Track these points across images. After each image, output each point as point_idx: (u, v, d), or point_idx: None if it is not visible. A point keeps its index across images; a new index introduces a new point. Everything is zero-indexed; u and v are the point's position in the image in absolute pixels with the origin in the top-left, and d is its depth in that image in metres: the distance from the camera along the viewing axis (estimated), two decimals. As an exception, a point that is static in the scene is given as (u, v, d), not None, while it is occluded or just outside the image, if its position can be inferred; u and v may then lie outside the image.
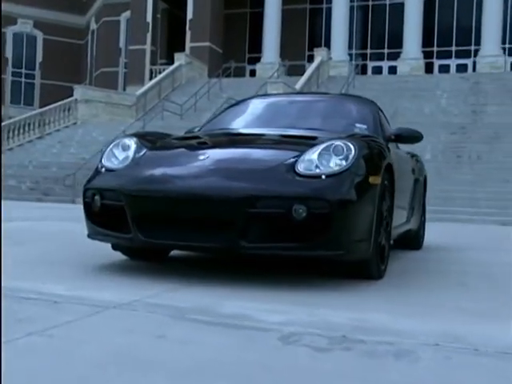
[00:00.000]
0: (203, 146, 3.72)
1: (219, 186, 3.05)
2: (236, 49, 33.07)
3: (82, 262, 3.77)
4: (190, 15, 30.15)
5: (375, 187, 3.31)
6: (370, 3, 32.50)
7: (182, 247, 3.28)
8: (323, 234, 2.99)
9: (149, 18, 31.08)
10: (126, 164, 3.48)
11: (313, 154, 3.21)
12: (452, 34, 30.87)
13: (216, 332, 2.10)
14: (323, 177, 3.08)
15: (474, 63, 29.07)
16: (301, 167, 3.13)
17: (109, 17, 36.24)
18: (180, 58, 27.91)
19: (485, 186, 15.05)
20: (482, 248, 6.41)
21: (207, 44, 29.92)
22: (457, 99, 21.62)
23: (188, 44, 30.05)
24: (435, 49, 30.91)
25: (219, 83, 25.70)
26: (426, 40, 29.86)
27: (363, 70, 30.92)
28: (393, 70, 30.21)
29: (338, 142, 3.26)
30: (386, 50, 31.86)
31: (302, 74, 26.54)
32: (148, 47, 30.96)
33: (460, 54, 30.60)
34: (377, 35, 32.38)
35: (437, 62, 30.77)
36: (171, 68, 27.41)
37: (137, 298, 2.63)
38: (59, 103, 23.54)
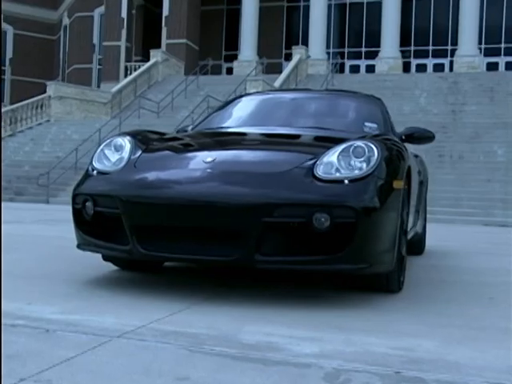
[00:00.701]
0: (207, 147, 3.37)
1: (230, 193, 2.71)
2: (212, 46, 32.68)
3: (70, 275, 3.40)
4: (166, 11, 29.65)
5: (399, 192, 3.01)
6: (348, 1, 32.40)
7: (188, 261, 2.91)
8: (346, 245, 2.67)
9: (124, 14, 30.48)
10: (121, 166, 3.11)
11: (332, 156, 2.89)
12: (429, 34, 30.95)
13: (246, 370, 1.77)
14: (346, 182, 2.76)
15: (451, 63, 29.18)
16: (320, 171, 2.81)
17: (82, 12, 35.44)
18: (156, 55, 27.40)
19: (467, 185, 14.98)
20: (485, 252, 6.18)
21: (184, 41, 29.47)
22: (436, 98, 21.58)
23: (164, 41, 29.56)
24: (412, 48, 30.96)
25: (196, 81, 25.29)
26: (403, 39, 29.87)
27: (341, 69, 30.76)
28: (370, 69, 30.17)
29: (358, 143, 2.96)
30: (363, 49, 31.81)
31: (279, 72, 26.35)
32: (123, 43, 30.36)
33: (437, 54, 30.70)
34: (354, 34, 32.31)
35: (414, 62, 30.82)
36: (147, 65, 26.88)
37: (142, 322, 2.28)
38: (31, 100, 22.84)
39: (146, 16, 32.60)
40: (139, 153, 3.21)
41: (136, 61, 30.69)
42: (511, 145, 16.55)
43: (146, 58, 28.87)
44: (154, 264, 3.58)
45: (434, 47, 30.77)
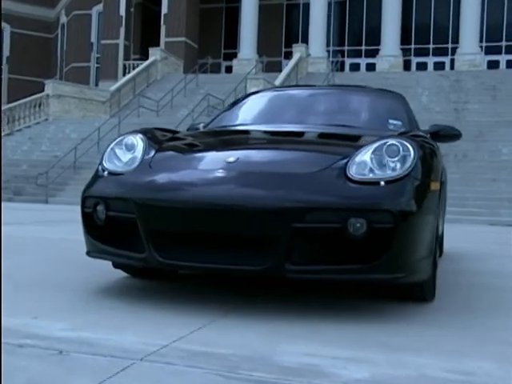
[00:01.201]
0: (228, 145, 3.13)
1: (257, 196, 2.48)
2: (212, 44, 32.42)
3: (77, 283, 3.16)
4: (164, 9, 29.39)
5: (436, 194, 2.79)
6: (348, -1, 32.18)
7: (210, 270, 2.66)
8: (383, 253, 2.44)
9: (122, 12, 30.20)
10: (134, 167, 2.88)
11: (365, 155, 2.66)
12: (429, 32, 30.75)
13: (294, 401, 1.54)
14: (382, 183, 2.53)
15: (452, 61, 28.98)
16: (353, 171, 2.58)
17: (80, 10, 35.13)
18: (155, 53, 27.15)
19: (472, 185, 14.77)
20: (501, 254, 5.96)
21: (183, 39, 29.21)
22: (438, 96, 21.38)
23: (163, 39, 29.29)
24: (413, 46, 30.75)
25: (196, 79, 25.03)
26: (404, 37, 29.66)
27: (341, 67, 30.54)
28: (370, 67, 29.96)
29: (392, 141, 2.73)
30: (363, 47, 31.59)
31: (278, 71, 26.13)
32: (121, 42, 30.08)
33: (437, 52, 30.50)
34: (354, 32, 32.09)
35: (414, 60, 30.62)
36: (146, 63, 26.62)
37: (165, 341, 2.04)
38: (29, 98, 22.56)
39: (145, 14, 32.34)
40: (153, 152, 2.98)
41: (134, 59, 30.43)
42: (516, 143, 16.35)
43: (145, 57, 28.60)
44: (168, 271, 3.34)
45: (435, 45, 30.56)
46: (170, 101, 22.73)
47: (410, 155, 2.65)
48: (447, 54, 30.00)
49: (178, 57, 28.64)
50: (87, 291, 2.95)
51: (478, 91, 21.61)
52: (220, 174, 2.61)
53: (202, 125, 4.20)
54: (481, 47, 28.41)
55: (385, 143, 2.71)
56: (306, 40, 29.35)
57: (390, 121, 3.79)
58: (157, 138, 3.19)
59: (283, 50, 32.54)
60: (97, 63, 33.64)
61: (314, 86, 4.84)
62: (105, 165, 3.00)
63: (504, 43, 29.68)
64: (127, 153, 3.03)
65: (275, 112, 3.84)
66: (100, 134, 17.84)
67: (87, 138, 18.01)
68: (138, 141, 3.05)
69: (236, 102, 4.35)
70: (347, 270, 2.46)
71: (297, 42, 29.86)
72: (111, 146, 3.12)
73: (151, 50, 27.43)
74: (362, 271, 2.45)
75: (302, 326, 2.33)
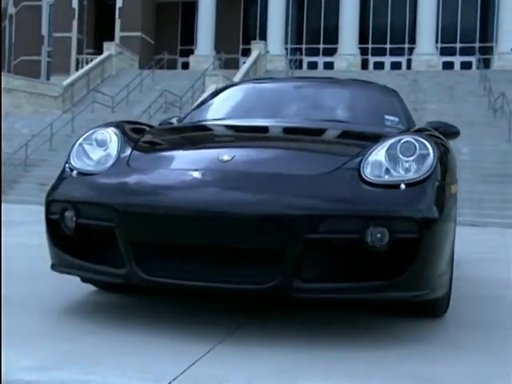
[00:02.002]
0: (219, 142, 2.75)
1: (261, 201, 2.13)
2: (168, 40, 31.75)
3: (43, 301, 2.73)
4: (119, 3, 28.57)
5: (455, 198, 2.49)
6: (306, -3, 32.08)
7: (204, 290, 2.26)
8: (407, 267, 2.12)
9: (75, 4, 29.21)
10: (109, 166, 2.48)
11: (379, 154, 2.35)
12: (386, 32, 30.95)
13: None
14: (402, 186, 2.21)
15: (408, 61, 29.24)
16: (368, 172, 2.25)
17: (29, 1, 33.82)
18: (110, 48, 26.32)
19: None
20: (491, 259, 5.76)
21: (138, 34, 28.48)
22: (397, 96, 21.43)
23: (118, 33, 28.48)
24: (370, 46, 30.88)
25: (152, 75, 24.40)
26: (361, 37, 29.75)
27: (299, 65, 30.40)
28: (328, 66, 29.93)
29: (407, 138, 2.41)
30: (321, 46, 31.54)
31: (236, 68, 25.76)
32: (74, 35, 29.08)
33: (394, 52, 30.71)
34: (312, 30, 32.01)
35: (372, 59, 30.75)
36: (100, 58, 25.78)
37: (159, 381, 1.65)
38: (-24, 92, 21.45)
39: (99, 7, 31.36)
40: (129, 149, 2.57)
41: (88, 53, 29.48)
42: (475, 143, 16.47)
43: (99, 51, 27.72)
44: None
45: (392, 45, 30.78)
46: (126, 97, 22.06)
47: (429, 154, 2.34)
48: (404, 54, 30.26)
49: (134, 52, 27.92)
50: (56, 311, 2.53)
51: (435, 91, 21.79)
52: (214, 175, 2.25)
53: (175, 119, 3.80)
54: (436, 48, 28.77)
55: (399, 140, 2.40)
56: (263, 37, 29.11)
57: (387, 116, 3.49)
58: (131, 133, 2.78)
59: (241, 46, 32.20)
60: (48, 57, 32.47)
61: (299, 77, 4.49)
62: (73, 163, 2.58)
63: (458, 45, 30.14)
64: (98, 149, 2.62)
65: (262, 105, 3.47)
66: (53, 130, 17.09)
67: (39, 134, 17.22)
68: (111, 136, 2.64)
69: (214, 95, 3.95)
70: (365, 289, 2.13)
71: (254, 39, 29.55)
72: (79, 141, 2.70)
73: (106, 45, 26.59)
74: (381, 289, 2.13)
75: (318, 353, 1.98)
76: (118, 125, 2.82)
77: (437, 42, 29.00)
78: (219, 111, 3.47)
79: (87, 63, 26.67)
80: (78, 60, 28.74)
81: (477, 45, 29.46)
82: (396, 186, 2.22)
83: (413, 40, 29.13)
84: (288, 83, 4.00)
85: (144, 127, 3.05)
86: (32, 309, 2.55)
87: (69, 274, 2.46)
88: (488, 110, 18.94)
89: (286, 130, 3.00)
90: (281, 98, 3.58)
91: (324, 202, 2.12)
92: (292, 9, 31.66)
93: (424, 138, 2.41)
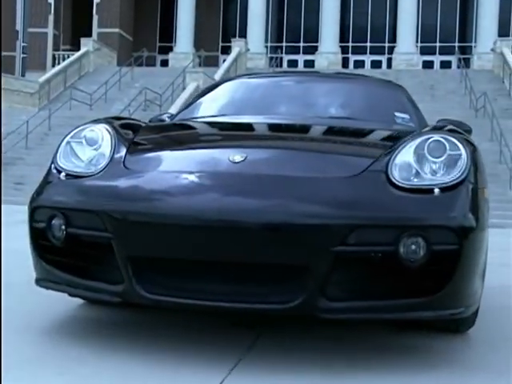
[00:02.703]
0: (227, 141, 2.48)
1: (280, 209, 1.86)
2: (147, 37, 31.28)
3: (21, 318, 2.42)
4: (97, -2, 28.02)
5: (488, 204, 2.26)
6: (286, -6, 31.90)
7: (218, 310, 1.98)
8: (446, 282, 1.88)
9: (51, -1, 28.55)
10: (102, 167, 2.19)
11: (406, 155, 2.10)
12: (367, 30, 30.93)
13: None
14: (436, 191, 1.96)
15: (389, 60, 29.23)
16: (396, 175, 2.01)
17: (4, -4, 33.02)
18: (87, 44, 25.79)
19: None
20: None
21: (117, 30, 27.98)
22: (379, 95, 21.34)
23: (95, 29, 27.95)
24: (350, 44, 30.83)
25: (131, 72, 23.95)
26: (341, 35, 29.68)
27: (279, 64, 30.18)
28: (308, 64, 29.77)
29: (436, 137, 2.17)
30: (301, 44, 31.41)
31: (215, 66, 25.48)
32: (50, 31, 28.40)
33: (374, 51, 30.69)
34: (292, 28, 31.87)
35: (352, 58, 30.70)
36: (78, 54, 25.25)
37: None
38: None
39: (76, 2, 30.75)
40: (124, 148, 2.29)
41: (65, 50, 28.88)
42: (458, 142, 16.42)
43: (76, 48, 27.15)
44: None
45: (372, 44, 30.77)
46: (104, 94, 21.60)
47: (461, 155, 2.11)
48: (384, 53, 30.25)
49: (112, 48, 27.42)
50: (40, 330, 2.23)
51: (417, 91, 21.67)
52: (225, 178, 1.98)
53: (166, 116, 3.51)
54: (416, 47, 28.81)
55: (427, 139, 2.16)
56: (243, 35, 28.88)
57: (397, 114, 3.25)
58: (124, 130, 2.50)
59: (220, 44, 31.93)
60: (23, 53, 31.74)
61: (300, 72, 4.23)
62: (60, 164, 2.30)
63: (438, 44, 30.24)
64: (89, 148, 2.33)
65: (265, 101, 3.20)
66: (28, 128, 16.60)
67: (14, 131, 16.71)
68: (102, 133, 2.36)
69: (208, 90, 3.67)
70: (398, 307, 1.89)
71: (234, 36, 29.32)
72: (67, 139, 2.41)
73: (83, 41, 26.06)
74: (416, 308, 1.90)
75: (348, 374, 1.73)
76: (109, 121, 2.54)
77: (417, 41, 29.05)
78: (218, 107, 3.19)
79: (64, 60, 26.10)
80: (54, 56, 28.09)
81: (456, 44, 29.59)
82: (429, 190, 1.98)
83: (393, 39, 29.14)
84: (290, 78, 3.75)
85: (136, 123, 2.77)
86: (9, 330, 2.24)
87: (56, 290, 2.17)
88: (470, 109, 18.95)
89: (299, 128, 2.75)
90: (284, 94, 3.32)
91: (353, 209, 1.87)
92: (272, 7, 31.45)
93: (453, 137, 2.18)
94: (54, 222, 2.10)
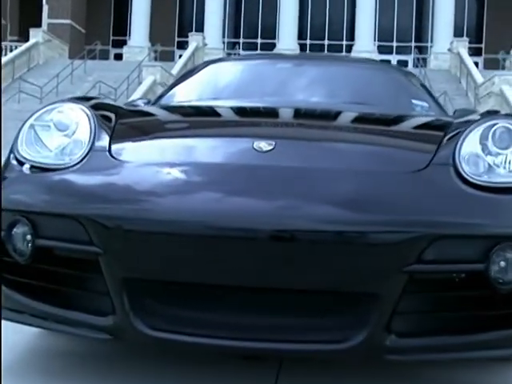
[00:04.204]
0: (244, 126, 1.96)
1: (333, 216, 1.39)
2: (100, 30, 30.28)
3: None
4: (47, -13, 26.88)
5: None
6: (243, -11, 31.47)
7: (248, 352, 1.47)
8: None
9: (-3, -13, 27.22)
10: (79, 158, 1.66)
11: (472, 144, 1.66)
12: (325, 28, 30.82)
13: None
14: (519, 190, 1.53)
15: (347, 58, 29.18)
16: (467, 169, 1.57)
17: None
18: (37, 35, 24.67)
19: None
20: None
21: (68, 22, 26.91)
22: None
23: (46, 20, 26.81)
24: (308, 42, 30.66)
25: (84, 65, 23.04)
26: (299, 33, 29.48)
27: (237, 60, 29.69)
28: (268, 61, 29.39)
29: (502, 123, 1.73)
30: (259, 40, 31.03)
31: (171, 61, 24.83)
32: (-3, 20, 27.10)
33: (333, 48, 30.57)
34: (250, 25, 31.47)
35: (310, 55, 30.51)
36: (27, 45, 24.12)
37: None
38: None
39: (24, -9, 29.45)
40: (106, 134, 1.76)
41: (12, 40, 27.58)
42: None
43: (24, 39, 25.97)
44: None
45: (330, 42, 30.68)
46: (56, 87, 20.65)
47: None
48: (342, 51, 30.15)
49: (64, 40, 26.37)
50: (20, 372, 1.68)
51: (376, 89, 21.70)
52: (251, 172, 1.48)
53: (141, 102, 2.97)
54: (374, 46, 28.89)
55: (491, 126, 1.72)
56: (199, 30, 28.34)
57: (414, 101, 2.83)
58: (102, 112, 1.96)
59: (176, 39, 31.26)
60: (-33, 43, 30.22)
61: (299, 55, 3.77)
62: (22, 153, 1.76)
63: (395, 44, 30.42)
64: (58, 134, 1.79)
65: (273, 84, 2.75)
66: (-26, 122, 15.58)
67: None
68: (77, 114, 1.82)
69: (191, 74, 3.16)
70: (488, 344, 1.42)
71: (190, 31, 28.74)
72: (30, 121, 1.87)
73: (32, 31, 24.91)
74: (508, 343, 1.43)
75: None
76: (81, 99, 2.02)
77: (374, 40, 29.12)
78: (212, 91, 2.70)
79: (11, 51, 24.91)
80: (0, 47, 26.81)
81: (413, 44, 29.84)
82: (509, 189, 1.55)
83: (351, 37, 29.08)
84: (287, 60, 3.25)
85: (114, 105, 2.24)
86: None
87: (20, 322, 1.63)
88: (430, 108, 18.97)
89: (324, 114, 2.26)
90: (288, 77, 2.86)
91: (430, 214, 1.41)
92: (229, 2, 30.97)
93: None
94: (16, 230, 1.57)
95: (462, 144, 1.68)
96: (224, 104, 2.36)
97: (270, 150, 1.54)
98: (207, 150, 1.66)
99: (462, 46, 23.57)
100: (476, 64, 24.27)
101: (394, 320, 1.38)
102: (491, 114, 2.12)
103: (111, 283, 1.42)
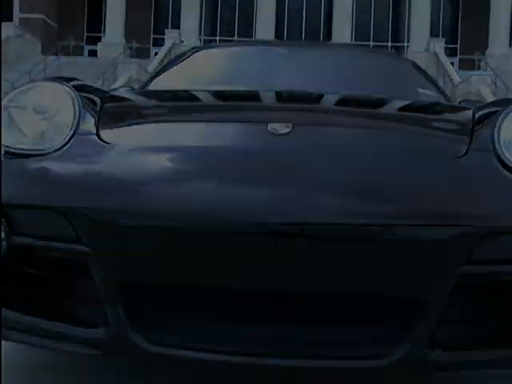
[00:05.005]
0: (254, 112, 1.73)
1: (370, 208, 1.19)
2: (74, 25, 29.78)
3: None
4: (18, -19, 26.31)
5: None
6: (220, -14, 31.29)
7: (268, 368, 1.24)
8: None
9: (-34, -20, 26.57)
10: (61, 143, 1.44)
11: (510, 129, 1.48)
12: (302, 26, 30.85)
13: None
14: None
15: (324, 57, 29.22)
16: (508, 155, 1.39)
17: None
18: (7, 30, 24.11)
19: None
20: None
21: (40, 16, 26.37)
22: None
23: (17, 14, 26.22)
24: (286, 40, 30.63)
25: (58, 62, 22.60)
26: (276, 32, 29.45)
27: (214, 58, 29.50)
28: (244, 59, 29.32)
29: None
30: (236, 38, 30.88)
31: (147, 58, 24.55)
32: (-35, 14, 26.45)
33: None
34: (227, 22, 31.33)
35: (288, 54, 30.50)
36: (-3, 40, 23.54)
37: None
38: None
39: (-5, -15, 28.81)
40: (91, 116, 1.53)
41: (-18, 35, 26.95)
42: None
43: (-5, 34, 25.39)
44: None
45: (308, 40, 30.70)
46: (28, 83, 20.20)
47: None
48: (319, 50, 30.21)
49: (36, 36, 25.83)
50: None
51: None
52: (268, 157, 1.26)
53: (123, 89, 2.73)
54: (352, 45, 29.01)
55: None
56: (175, 27, 28.10)
57: (419, 90, 2.66)
58: (85, 94, 1.73)
59: (152, 36, 30.96)
60: None
61: (294, 42, 3.56)
62: (-3, 138, 1.51)
63: (372, 43, 30.53)
64: (36, 117, 1.56)
65: (273, 70, 2.52)
66: None
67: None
68: (59, 95, 1.59)
69: (179, 61, 2.92)
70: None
71: (166, 28, 28.50)
72: (3, 103, 1.62)
73: (3, 26, 24.34)
74: None
75: None
76: (61, 78, 1.79)
77: (351, 39, 29.19)
78: (206, 77, 2.47)
79: (-18, 46, 24.32)
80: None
81: (389, 44, 30.01)
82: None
83: (328, 36, 29.11)
84: (282, 47, 3.05)
85: (96, 87, 2.03)
86: None
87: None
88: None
89: (338, 100, 2.04)
90: (287, 63, 2.64)
91: (477, 207, 1.21)
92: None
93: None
94: (-11, 227, 1.33)
95: (499, 130, 1.49)
96: (220, 88, 2.14)
97: (289, 133, 1.32)
98: (211, 132, 1.43)
99: (439, 46, 23.74)
100: (452, 64, 24.46)
101: (440, 330, 1.17)
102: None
103: (103, 288, 1.18)
